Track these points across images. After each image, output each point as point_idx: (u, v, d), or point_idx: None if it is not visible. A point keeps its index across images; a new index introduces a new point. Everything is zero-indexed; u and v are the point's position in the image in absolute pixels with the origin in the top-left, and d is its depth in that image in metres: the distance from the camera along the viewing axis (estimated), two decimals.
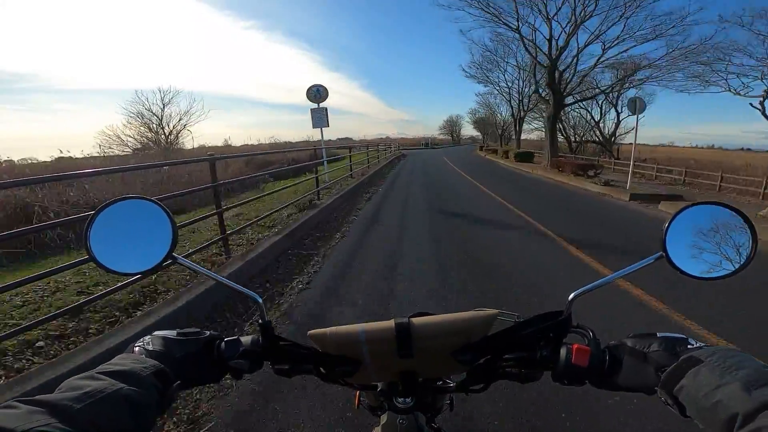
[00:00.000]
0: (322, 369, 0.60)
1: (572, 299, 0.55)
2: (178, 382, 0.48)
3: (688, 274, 0.53)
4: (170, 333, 0.54)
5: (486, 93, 42.92)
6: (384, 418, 0.73)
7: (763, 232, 4.51)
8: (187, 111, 32.58)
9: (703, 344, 0.45)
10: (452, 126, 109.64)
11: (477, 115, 64.34)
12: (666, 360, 0.44)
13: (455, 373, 0.66)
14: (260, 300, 0.59)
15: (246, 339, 0.59)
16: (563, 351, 0.54)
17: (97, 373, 0.41)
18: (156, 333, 0.54)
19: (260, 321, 0.58)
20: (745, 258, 0.51)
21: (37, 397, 0.34)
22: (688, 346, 0.45)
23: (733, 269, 0.52)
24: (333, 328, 0.57)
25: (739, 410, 0.33)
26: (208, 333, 0.57)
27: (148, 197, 0.58)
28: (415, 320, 0.56)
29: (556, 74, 18.42)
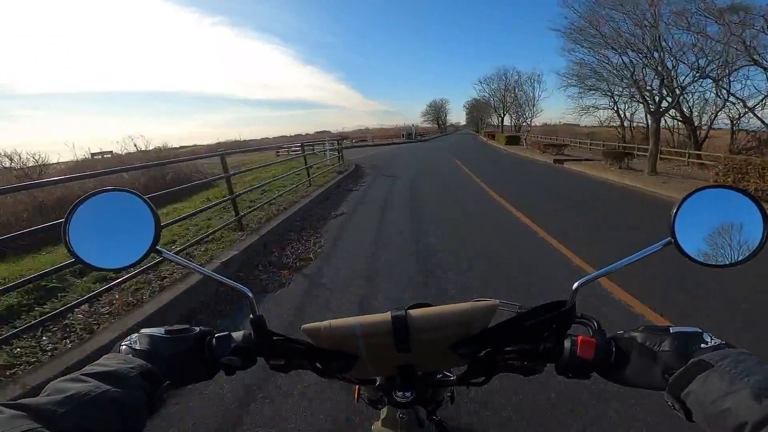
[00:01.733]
0: (318, 364, 0.59)
1: (577, 288, 0.52)
2: (168, 382, 0.47)
3: (697, 261, 0.51)
4: (158, 331, 0.52)
5: None
6: (384, 412, 0.72)
7: None
8: None
9: (718, 341, 0.43)
10: (437, 111, 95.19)
11: (492, 86, 48.05)
12: (675, 362, 0.43)
13: (455, 366, 0.64)
14: (250, 294, 0.57)
15: (237, 334, 0.57)
16: (567, 343, 0.52)
17: (81, 374, 0.39)
18: (143, 331, 0.52)
19: (251, 316, 0.56)
20: (757, 245, 0.49)
21: (20, 401, 0.33)
22: (702, 345, 0.43)
23: (744, 256, 0.50)
24: (327, 322, 0.55)
25: (749, 419, 0.32)
26: (197, 329, 0.55)
27: (128, 189, 0.55)
28: (413, 312, 0.54)
29: None
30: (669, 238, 0.52)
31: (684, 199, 0.51)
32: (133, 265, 0.55)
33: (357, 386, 0.81)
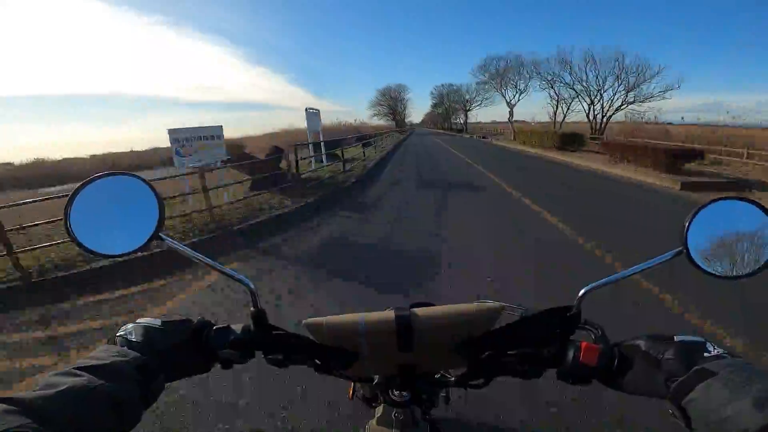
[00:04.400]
0: (317, 360, 0.57)
1: (583, 295, 0.52)
2: (163, 374, 0.46)
3: (708, 272, 0.51)
4: (154, 322, 0.51)
5: None
6: (379, 411, 0.71)
7: None
8: None
9: (721, 350, 0.43)
10: (393, 102, 71.25)
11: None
12: (678, 370, 0.43)
13: (455, 367, 0.64)
14: (252, 286, 0.56)
15: (237, 327, 0.56)
16: (570, 348, 0.51)
17: (74, 368, 0.39)
18: (139, 321, 0.51)
19: (252, 308, 0.55)
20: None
21: (11, 395, 0.33)
22: (705, 354, 0.43)
23: (755, 268, 0.50)
24: (330, 318, 0.54)
25: (749, 427, 0.32)
26: (195, 321, 0.54)
27: (131, 173, 0.53)
28: (417, 311, 0.53)
29: None
30: (681, 248, 0.51)
31: (698, 210, 0.51)
32: (134, 252, 0.53)
33: (352, 384, 0.79)
